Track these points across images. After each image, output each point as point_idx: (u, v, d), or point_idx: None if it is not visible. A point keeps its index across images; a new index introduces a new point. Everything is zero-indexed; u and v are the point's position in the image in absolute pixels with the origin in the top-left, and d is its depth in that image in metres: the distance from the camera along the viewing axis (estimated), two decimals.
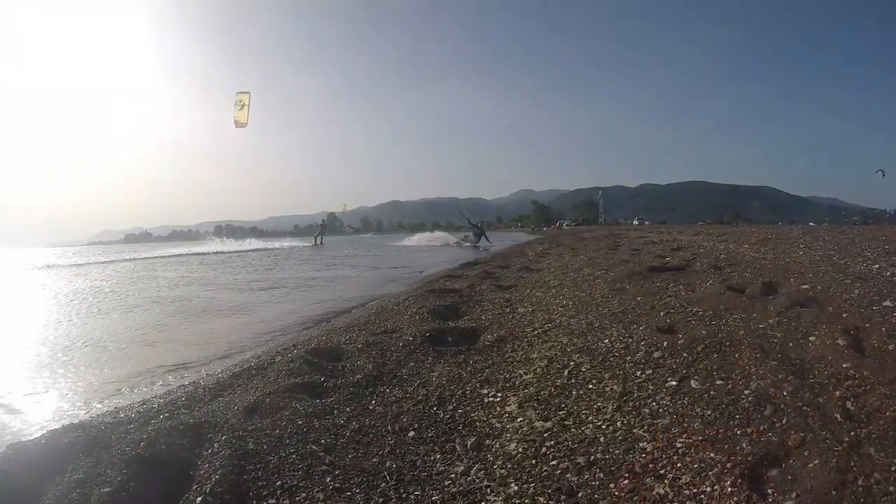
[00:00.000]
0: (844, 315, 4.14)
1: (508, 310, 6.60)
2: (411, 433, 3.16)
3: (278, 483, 2.61)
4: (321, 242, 51.77)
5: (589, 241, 23.50)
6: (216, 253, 38.90)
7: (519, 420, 3.25)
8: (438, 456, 2.88)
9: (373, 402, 3.70)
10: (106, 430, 3.35)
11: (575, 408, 3.34)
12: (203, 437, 3.11)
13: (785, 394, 2.97)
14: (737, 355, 3.66)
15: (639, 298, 5.95)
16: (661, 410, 3.13)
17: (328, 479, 2.64)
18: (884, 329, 3.68)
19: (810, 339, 3.78)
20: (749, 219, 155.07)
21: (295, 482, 2.62)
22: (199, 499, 2.44)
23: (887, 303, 4.36)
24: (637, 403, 3.28)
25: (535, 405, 3.45)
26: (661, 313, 5.11)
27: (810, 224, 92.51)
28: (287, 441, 3.00)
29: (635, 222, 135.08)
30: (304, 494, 2.54)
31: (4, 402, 4.99)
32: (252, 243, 52.36)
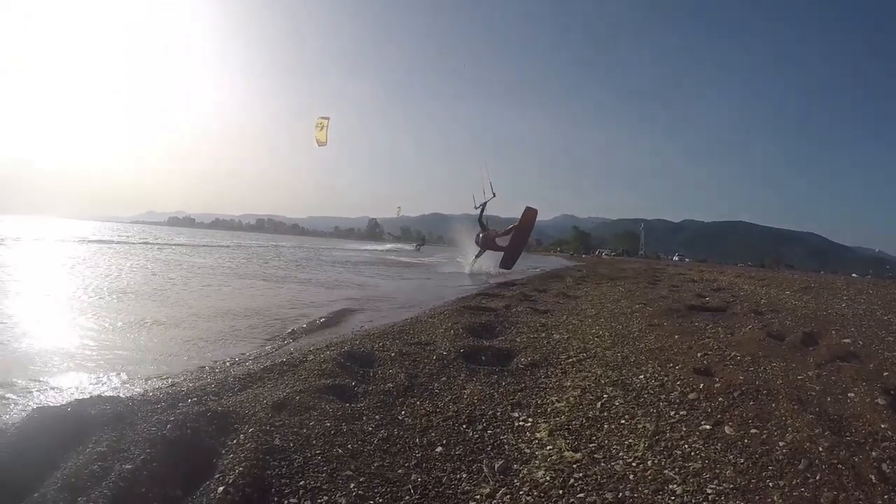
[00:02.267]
0: (885, 374, 4.12)
1: (544, 334, 6.51)
2: (439, 448, 3.12)
3: (301, 483, 2.59)
4: (419, 249, 63.63)
5: (628, 272, 23.54)
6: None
7: (549, 448, 3.19)
8: (465, 475, 2.83)
9: (403, 412, 3.68)
10: (133, 406, 3.38)
11: (606, 441, 3.28)
12: (230, 426, 3.10)
13: (820, 449, 2.92)
14: (773, 405, 3.62)
15: (676, 336, 5.89)
16: (692, 454, 3.07)
17: (352, 485, 2.61)
18: None
19: (849, 394, 3.75)
20: (791, 265, 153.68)
21: (318, 484, 2.59)
22: (221, 488, 2.42)
23: None
24: (669, 444, 3.22)
25: (566, 434, 3.39)
26: (699, 354, 5.05)
27: (853, 275, 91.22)
28: (314, 441, 2.98)
29: (675, 258, 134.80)
30: (326, 497, 2.51)
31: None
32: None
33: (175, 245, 38.70)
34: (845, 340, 5.29)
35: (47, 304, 9.05)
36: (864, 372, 4.15)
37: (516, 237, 21.92)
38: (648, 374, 4.53)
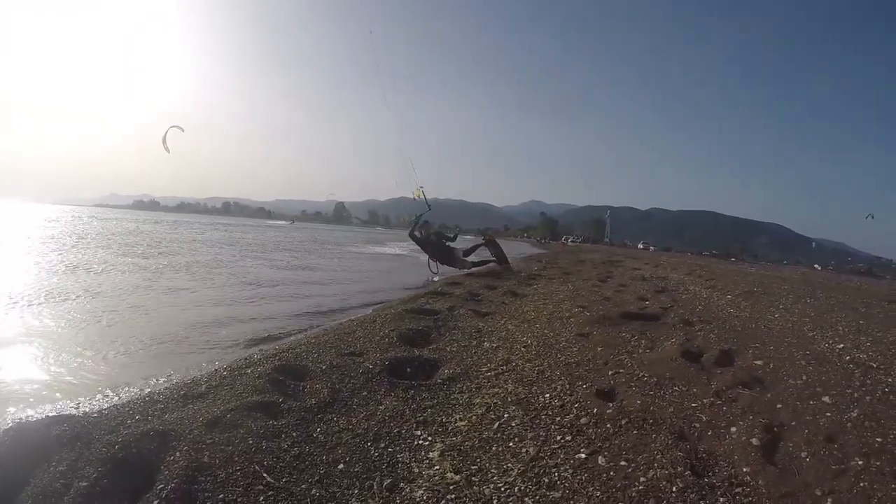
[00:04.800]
0: (778, 406, 4.27)
1: (475, 342, 6.74)
2: (341, 465, 3.50)
3: (221, 496, 3.05)
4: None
5: (586, 265, 23.42)
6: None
7: (435, 468, 3.48)
8: (356, 491, 3.20)
9: (318, 429, 4.02)
10: (88, 426, 3.86)
11: (487, 465, 3.52)
12: (169, 444, 3.59)
13: (673, 490, 3.05)
14: (653, 436, 3.77)
15: (599, 349, 6.08)
16: (558, 483, 3.25)
17: (261, 499, 3.06)
18: (806, 431, 3.79)
19: (732, 429, 3.89)
20: (756, 254, 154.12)
21: (235, 497, 3.05)
22: (156, 502, 2.95)
23: (826, 398, 4.37)
24: (541, 471, 3.41)
25: (455, 455, 3.65)
26: (610, 372, 5.25)
27: (815, 266, 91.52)
28: (236, 458, 3.42)
29: (640, 245, 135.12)
30: None
31: None
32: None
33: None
34: (757, 362, 5.46)
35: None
36: (758, 403, 4.32)
37: (495, 251, 19.41)
38: (554, 393, 4.70)
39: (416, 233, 19.08)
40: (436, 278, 17.18)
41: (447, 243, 19.16)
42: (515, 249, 49.51)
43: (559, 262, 26.01)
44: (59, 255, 17.26)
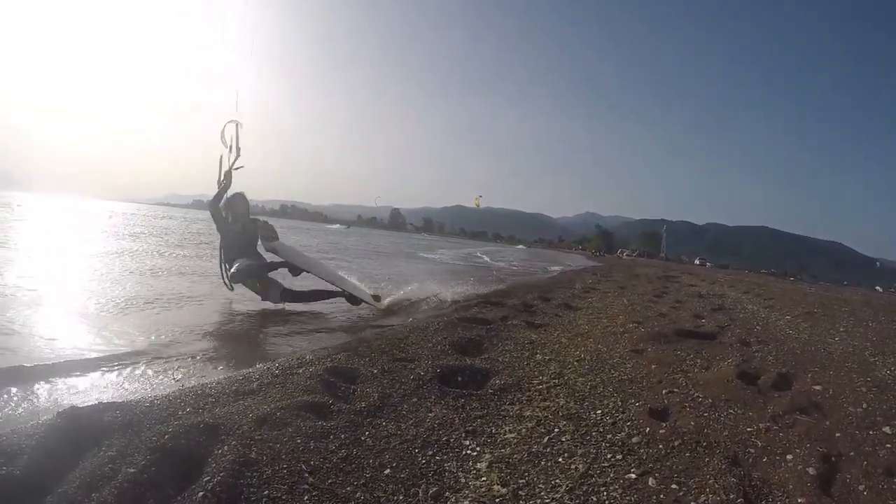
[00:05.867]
0: (837, 434, 4.05)
1: (528, 354, 6.63)
2: (387, 471, 3.48)
3: (265, 493, 3.05)
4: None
5: (641, 279, 22.97)
6: None
7: (482, 479, 3.44)
8: (401, 497, 3.19)
9: (367, 432, 4.01)
10: (140, 414, 3.93)
11: (535, 479, 3.45)
12: (218, 437, 3.62)
13: None
14: (706, 460, 3.62)
15: (653, 367, 5.94)
16: (606, 502, 3.15)
17: (305, 498, 3.07)
18: (865, 463, 3.62)
19: (788, 456, 3.71)
20: (815, 274, 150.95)
21: (279, 494, 3.06)
22: (201, 493, 2.96)
23: (887, 429, 4.17)
24: (590, 489, 3.30)
25: (503, 467, 3.60)
26: (664, 391, 5.12)
27: (877, 288, 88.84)
28: (283, 456, 3.43)
29: (696, 261, 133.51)
30: None
31: None
32: None
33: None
34: (816, 387, 5.26)
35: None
36: (816, 430, 4.11)
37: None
38: (606, 410, 4.59)
39: (223, 212, 10.76)
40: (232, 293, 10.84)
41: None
42: (570, 261, 49.20)
43: (614, 276, 25.62)
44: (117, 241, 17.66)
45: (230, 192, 10.49)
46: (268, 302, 10.39)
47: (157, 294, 10.00)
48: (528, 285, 17.06)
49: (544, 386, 5.37)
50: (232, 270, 10.22)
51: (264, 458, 3.40)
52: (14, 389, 5.05)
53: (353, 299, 11.13)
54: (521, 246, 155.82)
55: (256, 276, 10.38)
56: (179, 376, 5.68)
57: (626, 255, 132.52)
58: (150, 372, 5.81)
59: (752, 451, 3.83)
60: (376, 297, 11.42)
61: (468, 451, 3.88)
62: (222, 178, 10.25)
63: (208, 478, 3.12)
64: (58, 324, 7.42)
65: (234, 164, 10.36)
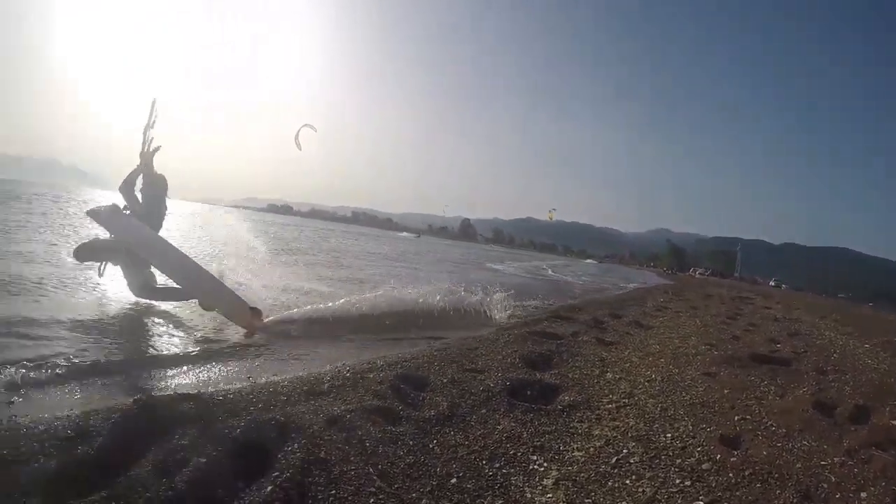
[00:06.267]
0: None
1: (597, 372, 6.53)
2: (454, 480, 3.49)
3: (332, 492, 3.10)
4: None
5: (713, 299, 22.44)
6: None
7: (548, 496, 3.41)
8: None
9: (435, 440, 4.03)
10: (213, 407, 4.04)
11: (601, 499, 3.41)
12: (288, 434, 3.68)
13: None
14: (777, 492, 3.55)
15: (726, 391, 5.80)
16: None
17: (371, 501, 3.10)
18: None
19: (862, 494, 3.57)
20: None
21: (346, 495, 3.10)
22: (270, 487, 3.03)
23: None
24: None
25: (570, 485, 3.56)
26: (736, 417, 4.98)
27: None
28: (352, 458, 3.48)
29: (771, 283, 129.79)
30: None
31: None
32: None
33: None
34: (894, 422, 4.96)
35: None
36: (893, 468, 3.91)
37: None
38: (677, 434, 4.50)
39: (136, 193, 9.47)
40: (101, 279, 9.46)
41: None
42: (642, 278, 48.54)
43: (686, 295, 25.09)
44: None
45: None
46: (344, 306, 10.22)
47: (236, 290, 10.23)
48: (598, 301, 16.94)
49: (614, 405, 5.29)
50: (80, 244, 9.10)
51: (333, 458, 3.44)
52: (93, 378, 5.27)
53: (208, 306, 8.99)
54: (590, 260, 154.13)
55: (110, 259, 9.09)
56: (252, 372, 5.80)
57: (699, 273, 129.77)
58: (223, 367, 5.99)
59: (826, 485, 3.69)
60: (256, 313, 8.73)
61: (535, 467, 3.84)
62: (141, 160, 9.41)
63: (277, 473, 3.18)
64: (138, 318, 7.69)
65: (150, 144, 9.56)
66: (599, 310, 13.55)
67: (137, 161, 9.34)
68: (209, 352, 6.54)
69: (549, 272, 45.13)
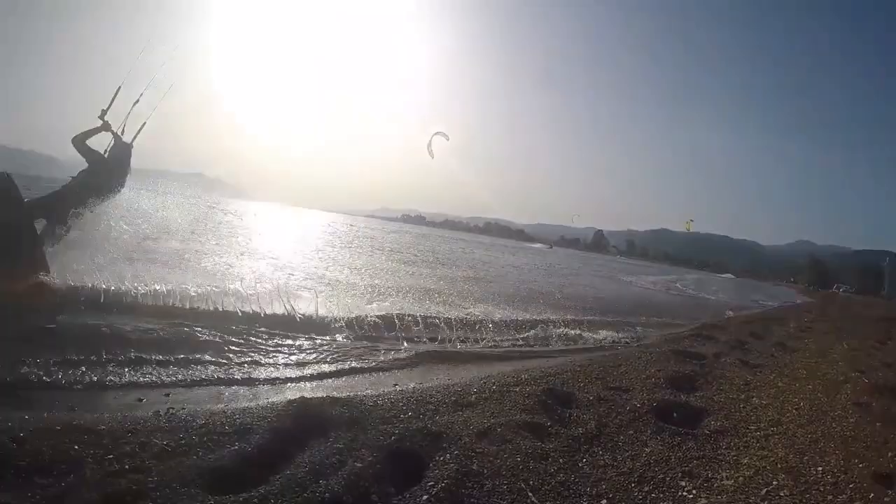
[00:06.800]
0: None
1: (743, 397, 6.28)
2: (603, 501, 3.44)
3: None
4: None
5: (861, 321, 21.18)
6: None
7: None
8: None
9: (584, 459, 3.99)
10: (365, 412, 4.19)
11: None
12: (440, 444, 3.77)
13: None
14: None
15: (878, 424, 5.41)
16: None
17: None
18: None
19: None
20: None
21: None
22: (425, 496, 3.10)
23: None
24: None
25: None
26: (890, 454, 4.64)
27: None
28: (503, 472, 3.50)
29: None
30: None
31: None
32: None
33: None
34: None
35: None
36: None
37: None
38: (828, 468, 4.27)
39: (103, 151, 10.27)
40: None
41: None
42: (783, 296, 46.61)
43: (830, 315, 23.83)
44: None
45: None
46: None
47: (388, 300, 10.50)
48: (739, 320, 16.35)
49: (761, 433, 5.08)
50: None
51: (486, 471, 3.49)
52: (245, 377, 5.58)
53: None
54: (728, 275, 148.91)
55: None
56: (398, 379, 5.96)
57: (843, 291, 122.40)
58: (370, 372, 6.16)
59: None
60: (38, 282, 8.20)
61: (684, 493, 3.75)
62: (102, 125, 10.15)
63: (432, 483, 3.25)
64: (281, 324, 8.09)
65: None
66: (741, 329, 13.09)
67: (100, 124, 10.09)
68: (353, 356, 6.74)
69: (684, 287, 44.10)
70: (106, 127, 10.16)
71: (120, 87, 10.33)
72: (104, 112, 10.14)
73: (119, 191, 10.45)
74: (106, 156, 10.16)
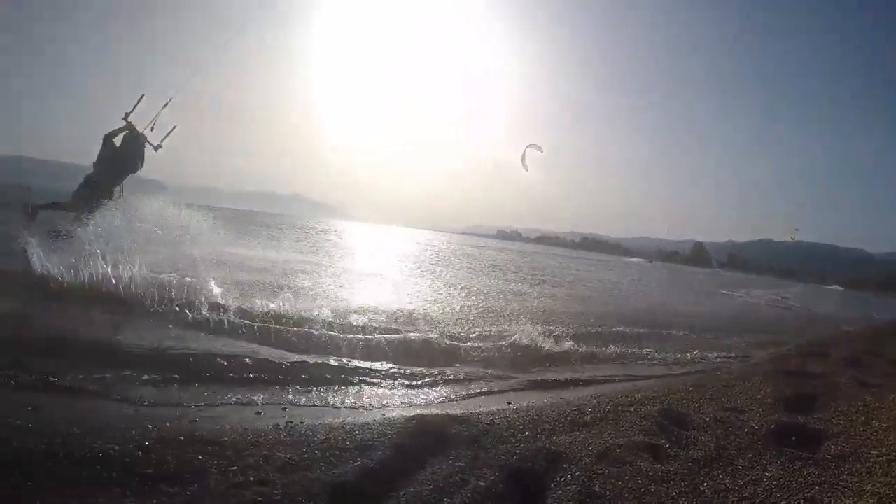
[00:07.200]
0: None
1: (863, 419, 5.95)
2: None
3: None
4: None
5: None
6: None
7: None
8: None
9: (705, 483, 3.94)
10: (482, 431, 4.27)
11: None
12: (559, 465, 3.81)
13: None
14: None
15: None
16: None
17: None
18: None
19: None
20: None
21: None
22: None
23: None
24: None
25: None
26: None
27: None
28: (625, 495, 3.50)
29: None
30: None
31: None
32: None
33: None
34: None
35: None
36: None
37: None
38: None
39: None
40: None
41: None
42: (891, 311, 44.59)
43: None
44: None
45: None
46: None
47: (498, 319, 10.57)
48: (852, 335, 15.71)
49: (884, 458, 4.81)
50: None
51: (608, 493, 3.50)
52: (354, 390, 5.73)
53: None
54: (835, 286, 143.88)
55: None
56: (510, 398, 5.99)
57: None
58: (482, 390, 6.24)
59: None
60: None
61: None
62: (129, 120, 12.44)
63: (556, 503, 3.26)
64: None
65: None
66: (854, 346, 12.48)
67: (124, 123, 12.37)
68: (466, 372, 6.81)
69: (790, 301, 42.80)
70: (129, 127, 12.45)
71: (143, 96, 12.51)
72: (127, 115, 12.44)
73: (137, 171, 12.88)
74: (118, 144, 12.43)
